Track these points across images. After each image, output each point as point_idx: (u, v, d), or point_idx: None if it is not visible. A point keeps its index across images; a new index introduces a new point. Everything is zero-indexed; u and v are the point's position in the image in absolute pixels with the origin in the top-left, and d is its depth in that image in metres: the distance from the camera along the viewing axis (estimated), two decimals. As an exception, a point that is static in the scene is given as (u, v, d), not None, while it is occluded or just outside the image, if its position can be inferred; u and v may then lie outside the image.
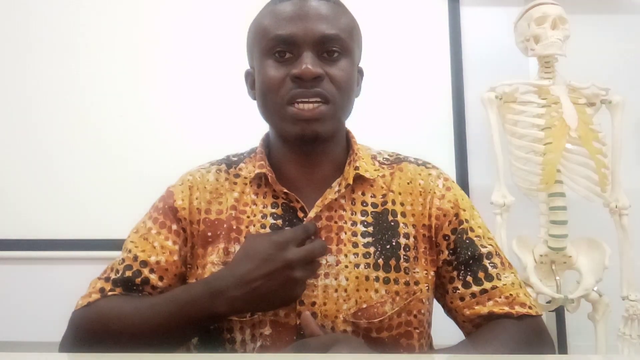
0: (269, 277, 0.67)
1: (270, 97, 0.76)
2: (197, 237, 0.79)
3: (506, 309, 0.75)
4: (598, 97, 1.59)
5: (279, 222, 0.78)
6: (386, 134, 1.53)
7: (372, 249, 0.77)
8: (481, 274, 0.77)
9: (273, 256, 0.68)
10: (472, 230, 0.80)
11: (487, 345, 0.71)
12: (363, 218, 0.79)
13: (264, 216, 0.79)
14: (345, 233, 0.77)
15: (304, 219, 0.77)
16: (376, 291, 0.75)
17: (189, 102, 1.84)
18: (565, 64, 1.60)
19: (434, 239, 0.80)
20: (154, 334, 0.69)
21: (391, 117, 1.80)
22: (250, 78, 0.84)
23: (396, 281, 0.76)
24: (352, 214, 0.79)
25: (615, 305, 1.53)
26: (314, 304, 0.74)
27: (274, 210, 0.79)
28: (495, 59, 1.85)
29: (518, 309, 0.75)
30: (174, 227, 0.80)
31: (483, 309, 0.75)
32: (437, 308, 0.83)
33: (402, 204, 0.81)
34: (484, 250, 0.79)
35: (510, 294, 0.76)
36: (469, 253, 0.78)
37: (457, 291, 0.78)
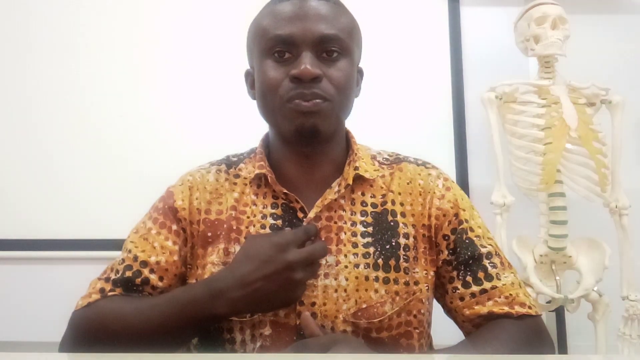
0: (269, 278, 0.67)
1: (269, 97, 0.76)
2: (197, 237, 0.79)
3: (506, 308, 0.75)
4: (598, 97, 1.59)
5: (279, 222, 0.78)
6: (386, 134, 1.53)
7: (371, 249, 0.77)
8: (481, 274, 0.77)
9: (274, 257, 0.68)
10: (471, 230, 0.80)
11: (487, 345, 0.70)
12: (363, 218, 0.79)
13: (264, 216, 0.79)
14: (345, 233, 0.77)
15: (304, 219, 0.77)
16: (376, 291, 0.75)
17: (189, 102, 1.84)
18: (565, 64, 1.60)
19: (433, 239, 0.80)
20: (154, 335, 0.69)
21: (391, 117, 1.80)
22: (250, 78, 0.84)
23: (396, 281, 0.76)
24: (351, 214, 0.79)
25: (615, 305, 1.53)
26: (313, 304, 0.74)
27: (273, 211, 0.79)
28: (495, 59, 1.85)
29: (518, 309, 0.75)
30: (174, 227, 0.80)
31: (483, 309, 0.75)
32: (437, 308, 0.83)
33: (401, 204, 0.81)
34: (483, 250, 0.79)
35: (510, 294, 0.76)
36: (469, 253, 0.78)
37: (457, 291, 0.78)
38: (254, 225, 0.78)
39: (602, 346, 1.51)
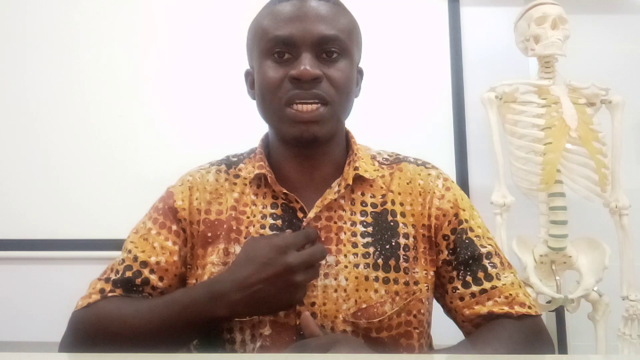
0: (269, 281, 0.67)
1: (269, 98, 0.76)
2: (197, 237, 0.79)
3: (506, 308, 0.75)
4: (598, 97, 1.59)
5: (279, 222, 0.78)
6: (386, 134, 1.54)
7: (371, 249, 0.77)
8: (481, 274, 0.77)
9: (273, 260, 0.68)
10: (471, 230, 0.80)
11: (487, 345, 0.71)
12: (362, 218, 0.79)
13: (264, 216, 0.79)
14: (345, 233, 0.77)
15: (304, 219, 0.77)
16: (376, 291, 0.75)
17: (189, 102, 1.84)
18: (565, 64, 1.60)
19: (433, 239, 0.80)
20: (154, 336, 0.69)
21: (391, 117, 1.80)
22: (249, 78, 0.84)
23: (396, 281, 0.76)
24: (351, 214, 0.79)
25: (615, 305, 1.53)
26: (313, 304, 0.74)
27: (273, 211, 0.79)
28: (495, 59, 1.85)
29: (517, 309, 0.75)
30: (174, 227, 0.80)
31: (483, 309, 0.75)
32: (437, 308, 0.83)
33: (401, 204, 0.81)
34: (483, 250, 0.79)
35: (510, 294, 0.76)
36: (469, 253, 0.78)
37: (457, 291, 0.78)
38: (253, 226, 0.78)
39: (602, 346, 1.51)
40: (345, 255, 0.76)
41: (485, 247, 0.79)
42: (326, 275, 0.75)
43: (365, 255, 0.76)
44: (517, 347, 0.71)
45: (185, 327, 0.70)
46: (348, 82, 0.77)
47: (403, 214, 0.80)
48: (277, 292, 0.68)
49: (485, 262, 0.78)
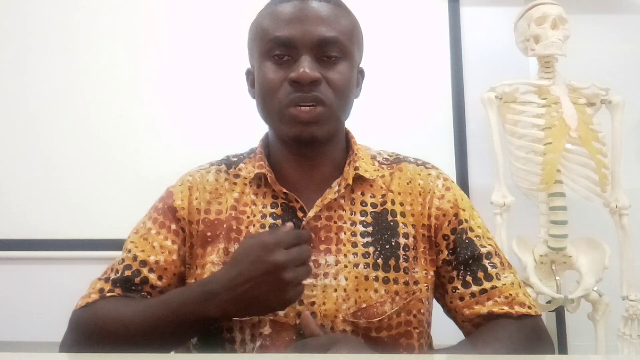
0: (257, 280, 0.66)
1: (268, 100, 0.76)
2: (196, 237, 0.79)
3: (506, 308, 0.75)
4: (598, 97, 1.59)
5: (279, 222, 0.78)
6: (386, 134, 1.54)
7: (371, 249, 0.77)
8: (481, 274, 0.77)
9: (261, 258, 0.67)
10: (471, 230, 0.80)
11: (487, 345, 0.71)
12: (362, 218, 0.79)
13: (264, 216, 0.79)
14: (345, 233, 0.77)
15: (304, 219, 0.77)
16: (375, 291, 0.75)
17: (189, 102, 1.84)
18: (565, 64, 1.60)
19: (433, 238, 0.80)
20: (148, 336, 0.69)
21: (391, 117, 1.80)
22: (250, 76, 0.84)
23: (396, 281, 0.76)
24: (351, 214, 0.79)
25: (615, 305, 1.53)
26: (313, 303, 0.74)
27: (273, 210, 0.79)
28: (495, 59, 1.85)
29: (517, 309, 0.75)
30: (173, 226, 0.80)
31: (482, 309, 0.75)
32: (437, 308, 0.83)
33: (401, 204, 0.81)
34: (483, 250, 0.79)
35: (510, 294, 0.76)
36: (469, 253, 0.78)
37: (457, 291, 0.78)
38: (253, 225, 0.78)
39: (602, 346, 1.51)
40: (345, 255, 0.76)
41: (485, 247, 0.79)
42: (326, 274, 0.75)
43: (365, 255, 0.76)
44: (517, 347, 0.71)
45: (179, 327, 0.69)
46: (348, 84, 0.77)
47: (403, 214, 0.80)
48: (267, 291, 0.67)
49: (485, 262, 0.78)
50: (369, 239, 0.77)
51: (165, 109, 1.84)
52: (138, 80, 1.86)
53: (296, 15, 0.75)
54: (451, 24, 1.88)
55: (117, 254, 0.81)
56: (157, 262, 0.77)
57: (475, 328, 0.77)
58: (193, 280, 0.77)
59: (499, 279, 0.77)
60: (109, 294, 0.75)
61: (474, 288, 0.77)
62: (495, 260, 0.79)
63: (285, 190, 0.79)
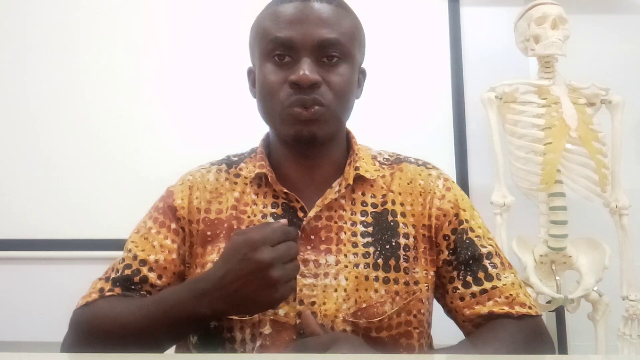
0: (245, 278, 0.65)
1: (269, 101, 0.76)
2: (197, 236, 0.79)
3: (506, 308, 0.75)
4: (598, 97, 1.59)
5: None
6: (386, 134, 1.54)
7: (371, 249, 0.77)
8: (481, 274, 0.77)
9: (247, 256, 0.65)
10: (472, 230, 0.80)
11: (487, 345, 0.71)
12: (363, 218, 0.79)
13: (264, 216, 0.79)
14: (345, 233, 0.77)
15: (304, 218, 0.77)
16: (376, 291, 0.75)
17: (189, 102, 1.84)
18: (565, 64, 1.60)
19: (434, 239, 0.80)
20: (145, 334, 0.69)
21: (391, 117, 1.80)
22: (252, 75, 0.84)
23: (396, 281, 0.76)
24: (352, 214, 0.79)
25: (615, 305, 1.53)
26: (313, 303, 0.74)
27: (274, 210, 0.79)
28: (495, 59, 1.85)
29: (518, 309, 0.75)
30: (173, 226, 0.80)
31: (483, 309, 0.75)
32: (437, 308, 0.83)
33: (402, 204, 0.81)
34: (484, 251, 0.79)
35: (510, 294, 0.76)
36: (469, 253, 0.78)
37: (457, 291, 0.78)
38: (254, 225, 0.78)
39: (602, 346, 1.51)
40: (346, 255, 0.76)
41: (486, 247, 0.79)
42: (326, 274, 0.75)
43: (366, 255, 0.76)
44: (517, 347, 0.71)
45: (172, 325, 0.69)
46: (348, 86, 0.77)
47: (403, 214, 0.80)
48: (256, 289, 0.65)
49: (486, 262, 0.78)
50: (369, 239, 0.77)
51: (165, 109, 1.84)
52: (138, 80, 1.86)
53: (297, 16, 0.74)
54: (451, 24, 1.88)
55: (118, 254, 0.81)
56: (156, 261, 0.77)
57: (476, 328, 0.77)
58: (193, 280, 0.77)
59: (500, 279, 0.77)
60: (108, 293, 0.75)
61: (475, 288, 0.77)
62: (496, 260, 0.79)
63: (285, 190, 0.79)
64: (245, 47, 0.85)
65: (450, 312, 0.81)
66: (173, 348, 0.79)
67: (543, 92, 1.57)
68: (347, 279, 0.75)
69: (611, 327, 1.53)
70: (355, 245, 0.77)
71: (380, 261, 0.76)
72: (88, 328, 0.73)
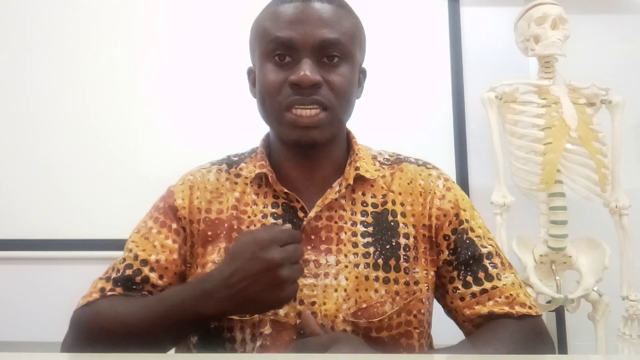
0: (254, 277, 0.65)
1: (269, 102, 0.76)
2: (197, 236, 0.79)
3: (506, 308, 0.75)
4: (598, 97, 1.59)
5: (279, 222, 0.78)
6: (386, 134, 1.54)
7: (371, 249, 0.77)
8: (481, 274, 0.77)
9: (256, 255, 0.66)
10: (472, 230, 0.80)
11: (487, 345, 0.71)
12: (363, 218, 0.79)
13: (265, 216, 0.79)
14: (345, 233, 0.77)
15: (304, 218, 0.77)
16: (376, 291, 0.75)
17: (189, 102, 1.84)
18: (565, 64, 1.60)
19: (434, 239, 0.80)
20: (147, 334, 0.69)
21: (391, 117, 1.80)
22: (252, 75, 0.84)
23: (396, 281, 0.76)
24: (352, 214, 0.79)
25: (615, 305, 1.53)
26: (313, 303, 0.74)
27: (274, 210, 0.79)
28: (495, 59, 1.85)
29: (518, 309, 0.75)
30: (174, 226, 0.80)
31: (483, 309, 0.75)
32: (437, 308, 0.83)
33: (402, 204, 0.81)
34: (484, 251, 0.79)
35: (510, 294, 0.76)
36: (469, 253, 0.78)
37: (457, 291, 0.78)
38: (254, 225, 0.78)
39: (602, 346, 1.51)
40: (346, 255, 0.76)
41: (486, 247, 0.80)
42: (326, 274, 0.75)
43: (366, 255, 0.76)
44: (518, 347, 0.71)
45: (176, 325, 0.69)
46: (349, 87, 0.77)
47: (403, 214, 0.80)
48: (264, 288, 0.66)
49: (486, 262, 0.78)
50: (369, 239, 0.77)
51: (165, 109, 1.84)
52: (138, 80, 1.86)
53: (298, 17, 0.74)
54: (451, 24, 1.88)
55: (118, 254, 0.81)
56: (158, 261, 0.77)
57: (476, 328, 0.77)
58: (193, 280, 0.77)
59: (500, 279, 0.77)
60: (109, 293, 0.75)
61: (475, 288, 0.77)
62: (496, 260, 0.79)
63: (286, 190, 0.79)
64: (245, 47, 0.84)
65: (451, 312, 0.81)
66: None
67: (543, 92, 1.57)
68: (347, 279, 0.75)
69: (611, 327, 1.53)
70: (355, 245, 0.77)
71: (380, 261, 0.76)
72: (89, 328, 0.73)
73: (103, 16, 1.89)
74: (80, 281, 0.80)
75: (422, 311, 0.77)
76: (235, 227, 0.78)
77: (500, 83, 1.59)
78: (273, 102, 0.75)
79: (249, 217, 0.79)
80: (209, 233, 0.79)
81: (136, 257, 0.77)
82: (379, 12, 1.87)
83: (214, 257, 0.77)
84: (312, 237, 0.76)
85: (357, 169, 0.80)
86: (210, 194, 0.82)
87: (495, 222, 1.52)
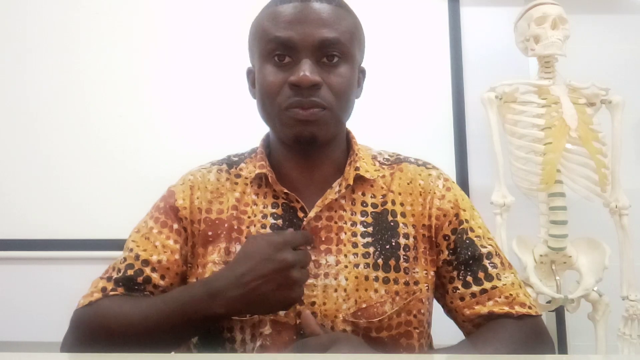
0: (267, 277, 0.67)
1: (268, 102, 0.76)
2: (198, 236, 0.79)
3: (506, 308, 0.75)
4: (598, 97, 1.59)
5: (279, 222, 0.78)
6: (386, 134, 1.54)
7: (371, 249, 0.77)
8: (481, 274, 0.77)
9: (271, 256, 0.67)
10: (472, 230, 0.80)
11: (487, 345, 0.71)
12: (363, 218, 0.79)
13: (265, 216, 0.79)
14: (345, 233, 0.77)
15: (304, 219, 0.77)
16: (376, 291, 0.75)
17: (189, 102, 1.84)
18: (565, 64, 1.60)
19: (434, 239, 0.80)
20: (152, 334, 0.69)
21: (391, 118, 1.80)
22: (251, 76, 0.84)
23: (396, 281, 0.76)
24: (352, 214, 0.79)
25: (615, 305, 1.53)
26: (313, 303, 0.74)
27: (274, 210, 0.79)
28: (495, 59, 1.85)
29: (518, 309, 0.75)
30: (175, 226, 0.80)
31: (483, 309, 0.75)
32: (437, 308, 0.83)
33: (402, 204, 0.81)
34: (484, 251, 0.79)
35: (510, 294, 0.76)
36: (469, 253, 0.78)
37: (457, 291, 0.78)
38: (254, 225, 0.78)
39: (602, 346, 1.51)
40: (346, 255, 0.76)
41: (486, 247, 0.80)
42: (326, 275, 0.75)
43: (366, 255, 0.76)
44: (518, 347, 0.71)
45: (183, 325, 0.69)
46: (348, 87, 0.77)
47: (403, 214, 0.80)
48: (275, 289, 0.67)
49: (486, 262, 0.78)
50: (369, 239, 0.77)
51: (165, 109, 1.84)
52: (138, 80, 1.86)
53: (297, 17, 0.74)
54: (451, 24, 1.89)
55: (118, 254, 0.81)
56: (159, 261, 0.77)
57: (476, 328, 0.77)
58: (194, 280, 0.77)
59: (500, 279, 0.77)
60: (111, 293, 0.75)
61: (475, 288, 0.77)
62: (496, 260, 0.79)
63: (286, 190, 0.79)
64: (245, 47, 0.84)
65: (450, 312, 0.81)
66: (173, 348, 0.79)
67: (543, 92, 1.57)
68: (347, 279, 0.75)
69: (611, 327, 1.53)
70: (355, 245, 0.77)
71: (380, 261, 0.76)
72: (91, 327, 0.72)
73: (103, 16, 1.89)
74: (80, 281, 0.80)
75: (422, 311, 0.77)
76: (236, 227, 0.78)
77: (500, 83, 1.59)
78: (273, 103, 0.75)
79: (249, 217, 0.79)
80: (210, 233, 0.79)
81: (137, 257, 0.77)
82: (379, 12, 1.87)
83: (214, 257, 0.77)
84: (309, 245, 0.76)
85: (357, 169, 0.80)
86: (211, 194, 0.82)
87: (495, 222, 1.52)
